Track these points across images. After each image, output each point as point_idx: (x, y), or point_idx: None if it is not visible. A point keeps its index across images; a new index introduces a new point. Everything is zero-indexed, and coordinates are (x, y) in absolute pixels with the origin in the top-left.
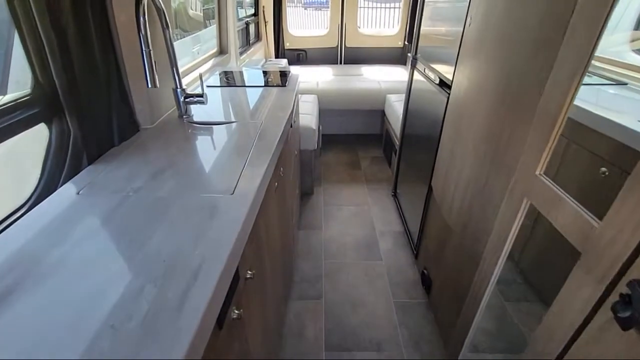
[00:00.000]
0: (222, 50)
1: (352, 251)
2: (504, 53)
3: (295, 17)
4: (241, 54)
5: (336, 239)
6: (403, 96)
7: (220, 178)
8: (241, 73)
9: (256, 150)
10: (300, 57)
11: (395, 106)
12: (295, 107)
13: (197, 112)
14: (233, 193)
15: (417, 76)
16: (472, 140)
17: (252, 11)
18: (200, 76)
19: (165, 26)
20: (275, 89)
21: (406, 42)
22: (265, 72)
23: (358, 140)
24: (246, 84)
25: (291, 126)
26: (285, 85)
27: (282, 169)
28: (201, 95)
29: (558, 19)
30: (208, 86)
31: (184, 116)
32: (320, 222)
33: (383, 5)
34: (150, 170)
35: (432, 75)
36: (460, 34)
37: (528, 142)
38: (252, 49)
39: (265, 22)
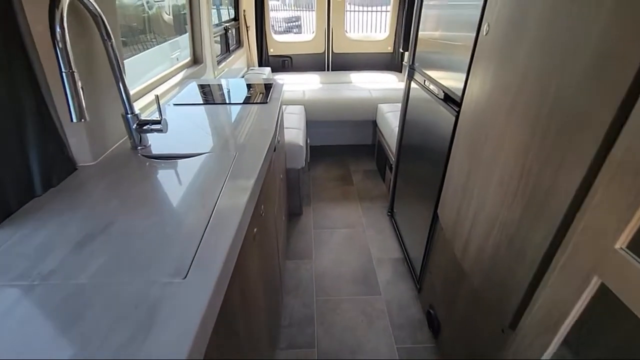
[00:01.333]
0: (196, 60)
1: (347, 284)
2: (546, 67)
3: (280, 22)
4: (220, 62)
5: (329, 270)
6: (396, 106)
7: (173, 247)
8: (218, 87)
9: (227, 197)
10: (285, 63)
11: (389, 118)
12: (279, 126)
13: (158, 141)
14: (186, 277)
15: (415, 87)
16: (497, 174)
17: (232, 14)
18: (157, 99)
19: (106, 37)
20: (255, 107)
21: (401, 50)
22: (244, 85)
23: (349, 151)
24: (222, 101)
25: (275, 149)
26: (266, 102)
27: (263, 207)
28: (159, 122)
29: None
30: (177, 104)
31: (139, 147)
32: (310, 249)
33: (371, 9)
34: (76, 236)
35: (434, 89)
36: (472, 42)
37: (597, 198)
38: (232, 57)
39: (246, 28)
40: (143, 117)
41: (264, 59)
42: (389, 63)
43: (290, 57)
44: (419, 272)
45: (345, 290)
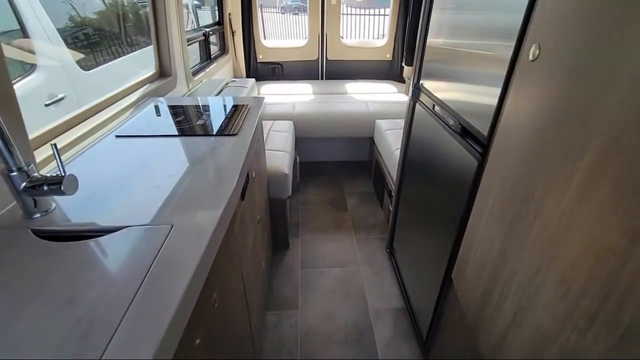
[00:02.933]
0: (163, 73)
1: (339, 346)
2: None
3: (270, 24)
4: (196, 73)
5: (317, 325)
6: (395, 123)
7: None
8: (181, 110)
9: (139, 309)
10: (275, 71)
11: (388, 137)
12: (248, 164)
13: (70, 202)
14: None
15: (421, 111)
16: (557, 272)
17: (210, 14)
18: (55, 149)
19: None
20: (220, 141)
21: (403, 64)
22: (220, 104)
23: (343, 169)
24: (179, 130)
25: (247, 181)
26: (236, 133)
27: (215, 295)
28: (59, 182)
29: None
30: (120, 136)
31: (35, 216)
32: (296, 296)
33: (367, 12)
34: None
35: (447, 118)
36: (507, 66)
37: None
38: (214, 65)
39: (232, 32)
40: (68, 155)
41: (252, 67)
42: (388, 72)
43: (281, 64)
44: (425, 333)
45: (336, 353)
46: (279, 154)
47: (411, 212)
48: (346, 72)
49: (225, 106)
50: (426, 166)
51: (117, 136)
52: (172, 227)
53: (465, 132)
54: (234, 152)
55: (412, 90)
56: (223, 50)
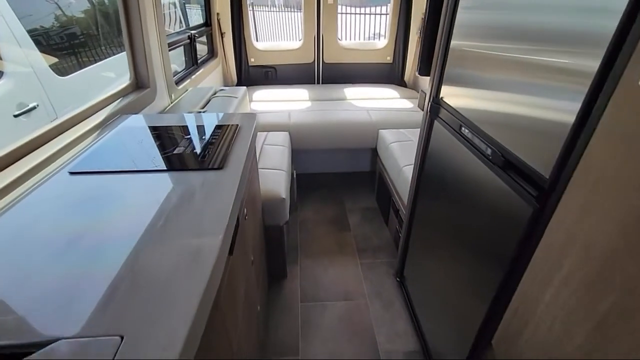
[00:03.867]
0: (140, 84)
1: None
2: None
3: (262, 24)
4: (180, 81)
5: None
6: (401, 134)
7: None
8: (156, 133)
9: None
10: (269, 75)
11: (394, 151)
12: (246, 187)
13: None
14: None
15: (441, 130)
16: None
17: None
18: None
19: None
20: (202, 178)
21: (417, 74)
22: (207, 122)
23: (343, 181)
24: (144, 166)
25: (237, 225)
26: (221, 167)
27: None
28: None
29: None
30: (74, 173)
31: None
32: (295, 338)
33: (365, 10)
34: None
35: (481, 145)
36: (590, 82)
37: None
38: (201, 71)
39: (221, 34)
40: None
41: (243, 71)
42: (388, 75)
43: (275, 68)
44: None
45: None
46: (275, 174)
47: (428, 240)
48: (344, 75)
49: (208, 126)
50: (450, 193)
51: (70, 173)
52: (122, 340)
53: (509, 166)
54: (217, 195)
55: (430, 105)
56: (211, 53)
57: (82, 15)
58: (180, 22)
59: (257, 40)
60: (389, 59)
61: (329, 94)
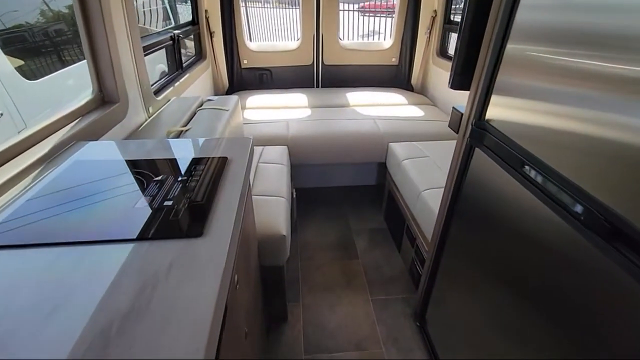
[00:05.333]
0: (106, 98)
1: None
2: None
3: (256, 22)
4: (163, 89)
5: None
6: (414, 147)
7: None
8: (115, 172)
9: None
10: (263, 78)
11: (408, 170)
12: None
13: None
14: None
15: (488, 163)
16: None
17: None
18: None
19: None
20: (173, 251)
21: (452, 84)
22: (186, 154)
23: (347, 196)
24: (89, 233)
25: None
26: (200, 234)
27: None
28: None
29: None
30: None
31: None
32: None
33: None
34: None
35: (564, 198)
36: None
37: None
38: (186, 77)
39: (210, 34)
40: None
41: (235, 74)
42: (394, 78)
43: (270, 71)
44: None
45: None
46: (273, 203)
47: (463, 284)
48: (345, 78)
49: (185, 160)
50: (505, 243)
51: None
52: None
53: (617, 235)
54: (192, 286)
55: (471, 130)
56: (200, 55)
57: (62, 11)
58: (168, 18)
59: (250, 40)
60: (394, 60)
61: (331, 100)
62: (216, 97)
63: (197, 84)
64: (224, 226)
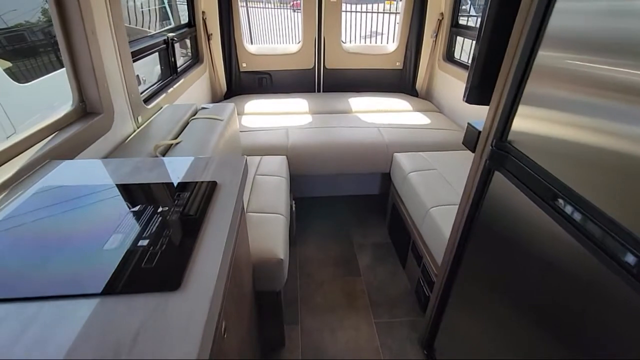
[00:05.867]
0: (89, 109)
1: None
2: None
3: (256, 23)
4: (155, 95)
5: None
6: (420, 159)
7: None
8: (90, 200)
9: None
10: (263, 82)
11: (416, 184)
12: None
13: None
14: None
15: (509, 189)
16: None
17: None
18: None
19: None
20: (143, 311)
21: (467, 98)
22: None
23: (349, 206)
24: (48, 285)
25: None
26: (176, 287)
27: None
28: None
29: None
30: None
31: None
32: None
33: (373, 9)
34: None
35: (618, 249)
36: None
37: None
38: (181, 82)
39: (208, 36)
40: None
41: (234, 78)
42: (398, 83)
43: (270, 74)
44: None
45: None
46: (270, 222)
47: (480, 314)
48: (348, 83)
49: (169, 185)
50: (531, 278)
51: None
52: None
53: None
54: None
55: (491, 150)
56: (196, 59)
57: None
58: (167, 19)
59: (252, 43)
60: (398, 64)
61: (332, 105)
62: (211, 105)
63: (194, 88)
64: (207, 274)
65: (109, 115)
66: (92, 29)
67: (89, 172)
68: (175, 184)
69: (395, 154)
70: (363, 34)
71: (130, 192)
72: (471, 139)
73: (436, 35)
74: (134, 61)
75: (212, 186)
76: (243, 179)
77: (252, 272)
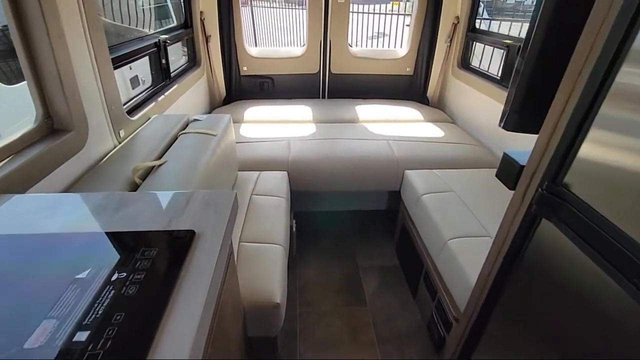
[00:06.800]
0: (58, 126)
1: None
2: None
3: (258, 24)
4: (143, 105)
5: None
6: (434, 177)
7: None
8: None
9: None
10: (264, 87)
11: (429, 208)
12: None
13: None
14: None
15: (560, 242)
16: None
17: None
18: None
19: None
20: None
21: (504, 123)
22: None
23: (353, 223)
24: None
25: None
26: None
27: None
28: None
29: None
30: None
31: None
32: None
33: (377, 10)
34: None
35: None
36: None
37: None
38: (175, 87)
39: (206, 38)
40: None
41: (233, 82)
42: (408, 89)
43: (272, 79)
44: None
45: None
46: (266, 253)
47: None
48: (354, 89)
49: (132, 236)
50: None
51: None
52: None
53: None
54: None
55: (540, 194)
56: (193, 62)
57: None
58: (167, 17)
59: (255, 45)
60: (408, 70)
61: (338, 113)
62: (205, 116)
63: (190, 93)
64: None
65: (82, 131)
66: (59, 33)
67: (38, 212)
68: (142, 235)
69: (406, 171)
70: (368, 35)
71: (80, 248)
72: (509, 174)
73: (451, 41)
74: (121, 66)
75: (190, 237)
76: (230, 223)
77: (244, 317)
